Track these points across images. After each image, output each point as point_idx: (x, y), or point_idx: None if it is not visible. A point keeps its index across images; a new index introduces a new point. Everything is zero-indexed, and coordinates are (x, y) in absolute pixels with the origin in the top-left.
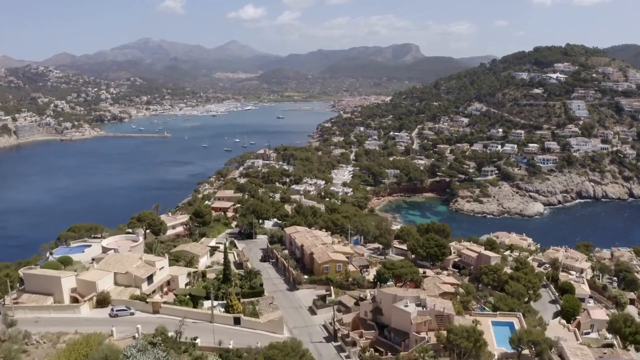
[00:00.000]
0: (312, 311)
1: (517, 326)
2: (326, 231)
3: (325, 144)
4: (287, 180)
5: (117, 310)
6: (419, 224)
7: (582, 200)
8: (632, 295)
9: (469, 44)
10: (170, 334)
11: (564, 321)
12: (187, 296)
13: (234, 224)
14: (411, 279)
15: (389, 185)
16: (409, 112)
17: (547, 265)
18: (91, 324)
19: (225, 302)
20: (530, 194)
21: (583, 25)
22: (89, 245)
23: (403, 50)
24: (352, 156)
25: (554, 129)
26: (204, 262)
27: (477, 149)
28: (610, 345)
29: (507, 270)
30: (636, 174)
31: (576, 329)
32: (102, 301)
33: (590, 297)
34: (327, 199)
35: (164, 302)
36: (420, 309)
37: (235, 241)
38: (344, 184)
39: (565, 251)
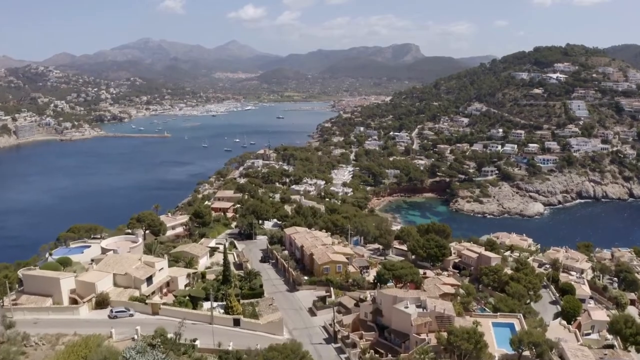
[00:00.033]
0: (312, 312)
1: (517, 327)
2: (326, 232)
3: (325, 144)
4: (287, 180)
5: (116, 312)
6: (419, 225)
7: (582, 201)
8: (632, 296)
9: (469, 44)
10: (169, 335)
11: (564, 322)
12: (187, 297)
13: (233, 224)
14: (411, 280)
15: (389, 186)
16: (409, 112)
17: (548, 266)
18: (90, 325)
19: (224, 303)
20: (531, 194)
21: (583, 25)
22: (89, 246)
23: (403, 50)
24: (352, 156)
25: (554, 129)
26: (203, 263)
27: (477, 149)
28: (611, 347)
29: (508, 271)
30: (636, 174)
31: (577, 330)
32: (101, 302)
33: (591, 297)
34: (327, 199)
35: (164, 304)
36: (421, 310)
37: (235, 242)
38: (344, 184)
39: (566, 252)
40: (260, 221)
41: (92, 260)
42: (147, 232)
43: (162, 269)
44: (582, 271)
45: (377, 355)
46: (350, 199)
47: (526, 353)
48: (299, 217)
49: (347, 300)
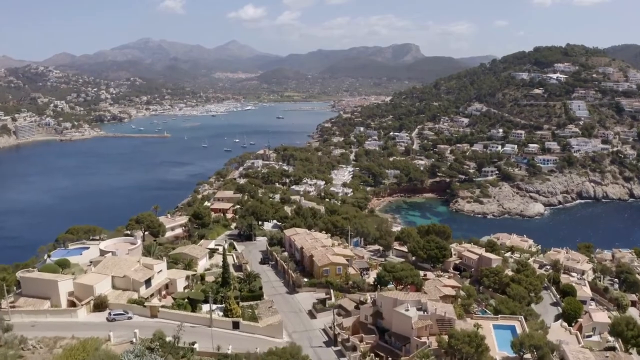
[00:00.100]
0: (311, 315)
1: (518, 330)
2: (326, 233)
3: (325, 144)
4: (287, 180)
5: (114, 315)
6: (419, 226)
7: (582, 201)
8: (633, 297)
9: (469, 44)
10: (168, 338)
11: (565, 324)
12: (186, 300)
13: (233, 225)
14: (412, 282)
15: (389, 186)
16: (409, 112)
17: (548, 267)
18: (88, 328)
19: (224, 305)
20: (531, 194)
21: (583, 25)
22: (87, 248)
23: (403, 50)
24: (352, 156)
25: (554, 130)
26: (202, 264)
27: (478, 149)
28: (612, 349)
29: (508, 272)
30: (637, 174)
31: (578, 331)
32: (100, 305)
33: (592, 299)
34: (327, 200)
35: (162, 306)
36: (421, 313)
37: (235, 243)
38: (344, 185)
39: (566, 253)
40: (259, 222)
41: (91, 262)
42: (146, 233)
43: (160, 271)
44: (582, 272)
45: (377, 359)
46: (350, 200)
47: (527, 356)
48: (299, 218)
49: (347, 303)
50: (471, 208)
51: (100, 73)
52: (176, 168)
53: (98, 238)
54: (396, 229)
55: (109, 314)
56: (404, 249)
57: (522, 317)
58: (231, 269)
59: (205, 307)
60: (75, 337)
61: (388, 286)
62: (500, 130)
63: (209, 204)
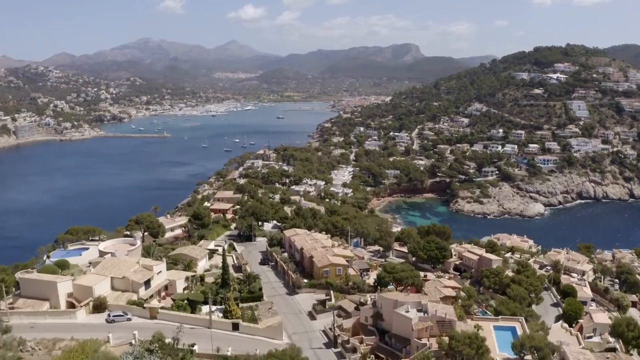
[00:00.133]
0: (311, 316)
1: (519, 331)
2: (326, 234)
3: (325, 144)
4: (287, 180)
5: (113, 316)
6: (419, 226)
7: (582, 201)
8: (634, 297)
9: (469, 44)
10: (167, 340)
11: (566, 325)
12: (185, 301)
13: (233, 226)
14: (412, 283)
15: (389, 186)
16: (409, 112)
17: (549, 268)
18: (87, 329)
19: (223, 307)
20: (531, 194)
21: (583, 25)
22: (87, 248)
23: (403, 50)
24: (352, 156)
25: (555, 130)
26: (202, 265)
27: (478, 149)
28: (613, 350)
29: (509, 273)
30: (637, 174)
31: (578, 332)
32: (99, 306)
33: (593, 300)
34: (327, 200)
35: (162, 308)
36: (422, 314)
37: (234, 244)
38: (344, 185)
39: (567, 253)
40: (259, 223)
41: (90, 263)
42: (146, 234)
43: (160, 272)
44: (583, 273)
45: None
46: (350, 200)
47: (528, 357)
48: (299, 218)
49: (347, 304)
50: (471, 208)
51: (100, 73)
52: (176, 168)
53: (97, 239)
54: (396, 229)
55: (108, 315)
56: (404, 249)
57: (523, 318)
58: (231, 270)
59: (205, 309)
60: (74, 338)
61: (388, 287)
62: (500, 130)
63: (208, 204)
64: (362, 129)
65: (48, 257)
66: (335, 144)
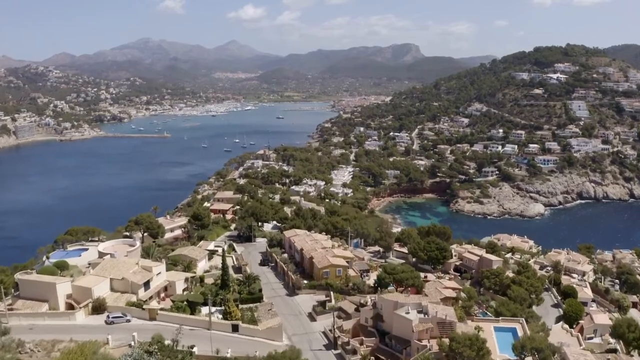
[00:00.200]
0: (311, 317)
1: (519, 332)
2: (326, 234)
3: (325, 145)
4: (287, 181)
5: (113, 317)
6: (419, 227)
7: (582, 201)
8: (634, 298)
9: (469, 44)
10: (166, 342)
11: (566, 326)
12: (185, 302)
13: (232, 226)
14: (412, 284)
15: (389, 186)
16: (409, 112)
17: (549, 268)
18: (86, 331)
19: (223, 308)
20: (531, 194)
21: (583, 25)
22: (86, 249)
23: (403, 50)
24: (352, 157)
25: (555, 130)
26: (202, 266)
27: (478, 149)
28: (614, 351)
29: (509, 274)
30: (637, 174)
31: (579, 333)
32: (98, 308)
33: (593, 300)
34: (327, 200)
35: (161, 309)
36: (422, 316)
37: (234, 244)
38: (344, 185)
39: (567, 253)
40: (259, 223)
41: (89, 264)
42: (145, 234)
43: (159, 273)
44: (583, 273)
45: None
46: (350, 200)
47: (529, 358)
48: (299, 219)
49: (347, 305)
50: (471, 208)
51: (100, 73)
52: (176, 168)
53: (97, 239)
54: (396, 229)
55: (108, 316)
56: (405, 250)
57: (523, 319)
58: (230, 271)
59: (205, 310)
60: (73, 340)
61: (388, 288)
62: (501, 130)
63: (208, 205)
64: (362, 129)
65: (47, 258)
66: (335, 144)
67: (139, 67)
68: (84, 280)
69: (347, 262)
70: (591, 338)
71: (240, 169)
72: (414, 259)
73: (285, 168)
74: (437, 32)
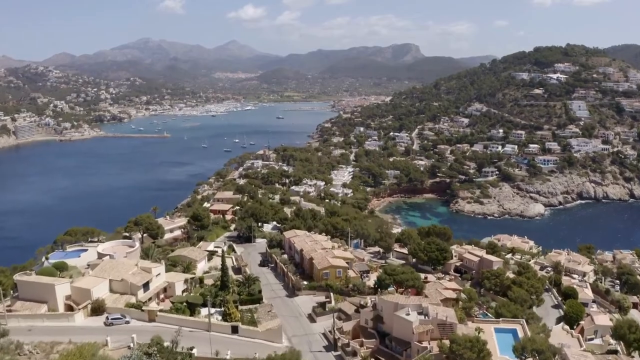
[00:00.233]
0: (311, 319)
1: (520, 333)
2: (326, 235)
3: (325, 145)
4: (287, 181)
5: (112, 319)
6: (419, 227)
7: (582, 201)
8: (635, 299)
9: (469, 44)
10: (166, 343)
11: (567, 327)
12: (184, 304)
13: (232, 227)
14: (412, 285)
15: (389, 186)
16: (409, 112)
17: (549, 269)
18: (85, 332)
19: (222, 309)
20: (531, 194)
21: (583, 25)
22: (85, 250)
23: (403, 50)
24: (352, 157)
25: (555, 130)
26: (201, 267)
27: (478, 149)
28: (615, 352)
29: (510, 274)
30: (637, 174)
31: (580, 334)
32: (97, 309)
33: (594, 301)
34: (327, 201)
35: (160, 310)
36: (422, 317)
37: (234, 245)
38: (344, 185)
39: (567, 254)
40: (259, 224)
41: (88, 265)
42: (145, 235)
43: (159, 274)
44: (584, 274)
45: None
46: (350, 200)
47: None
48: (299, 219)
49: (347, 306)
50: (471, 209)
51: (100, 73)
52: (176, 168)
53: (96, 240)
54: (396, 230)
55: (107, 318)
56: (405, 250)
57: (524, 320)
58: (230, 272)
59: (204, 311)
60: (72, 341)
61: (388, 289)
62: (501, 130)
63: (208, 205)
64: (362, 129)
65: (46, 258)
66: (335, 144)
67: (139, 67)
68: (83, 281)
69: (347, 263)
70: (592, 339)
71: (240, 169)
72: (414, 260)
73: (285, 168)
74: (437, 32)
